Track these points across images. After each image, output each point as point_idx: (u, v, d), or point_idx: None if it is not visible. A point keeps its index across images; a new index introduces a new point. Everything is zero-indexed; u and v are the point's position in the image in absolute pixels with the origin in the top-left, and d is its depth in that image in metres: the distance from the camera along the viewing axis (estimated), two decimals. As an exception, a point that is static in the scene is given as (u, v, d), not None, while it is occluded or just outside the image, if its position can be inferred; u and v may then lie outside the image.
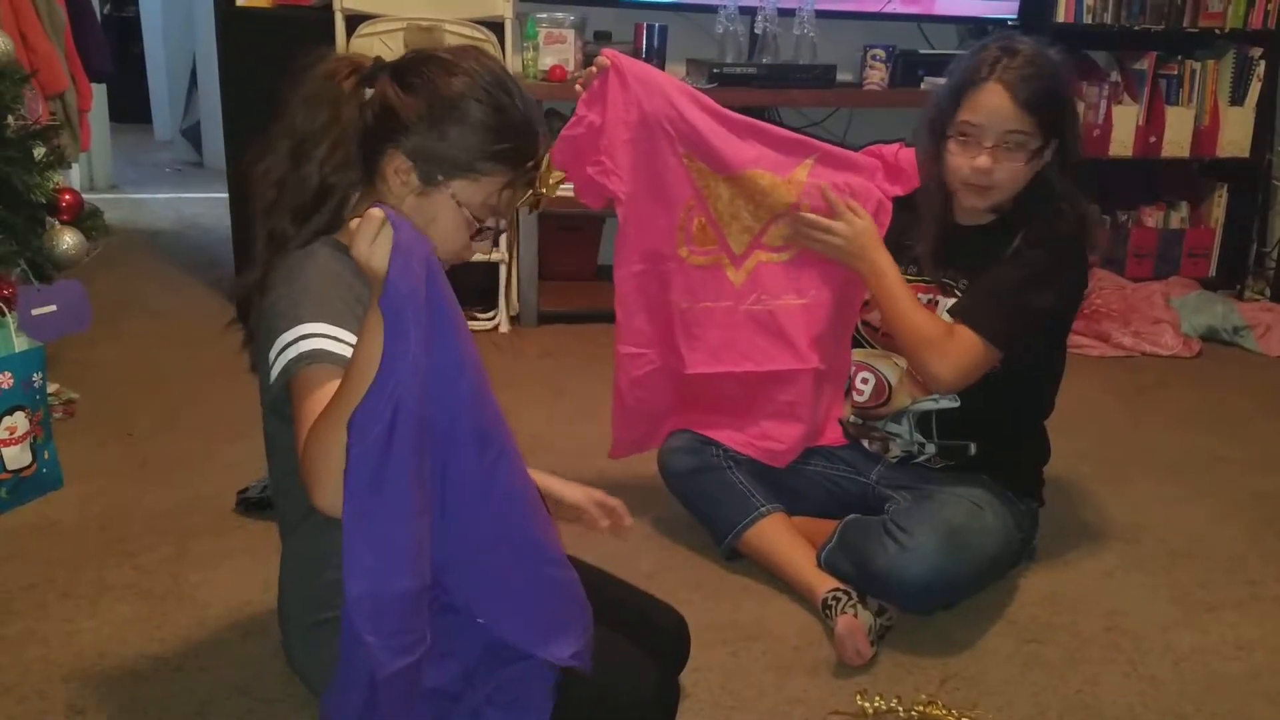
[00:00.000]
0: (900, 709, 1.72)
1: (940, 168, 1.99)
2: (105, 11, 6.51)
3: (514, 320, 3.46)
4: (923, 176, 2.07)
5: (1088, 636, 1.97)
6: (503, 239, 2.92)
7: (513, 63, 3.41)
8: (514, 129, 1.43)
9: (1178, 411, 3.12)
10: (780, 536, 2.08)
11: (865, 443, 2.17)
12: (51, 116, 3.01)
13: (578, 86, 2.08)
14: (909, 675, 1.83)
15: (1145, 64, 4.13)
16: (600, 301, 3.76)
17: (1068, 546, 2.28)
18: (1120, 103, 4.12)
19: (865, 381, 2.12)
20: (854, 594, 1.92)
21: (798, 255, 2.13)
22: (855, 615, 1.87)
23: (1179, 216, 4.32)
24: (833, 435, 2.20)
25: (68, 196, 2.47)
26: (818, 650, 1.89)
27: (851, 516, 2.04)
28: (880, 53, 3.80)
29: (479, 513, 1.27)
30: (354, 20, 3.29)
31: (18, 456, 2.25)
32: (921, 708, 1.72)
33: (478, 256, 1.67)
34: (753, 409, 2.17)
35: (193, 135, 6.20)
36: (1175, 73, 4.14)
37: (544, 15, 3.55)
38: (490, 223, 1.47)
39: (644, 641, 1.57)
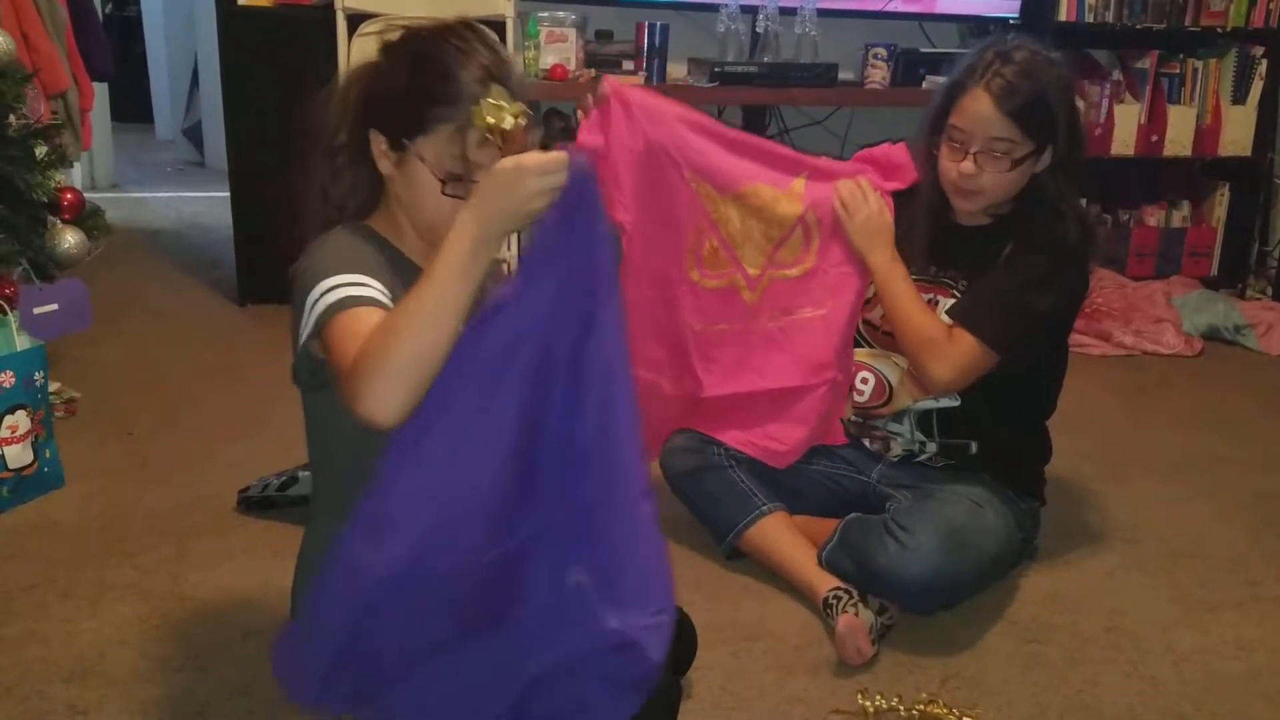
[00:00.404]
0: (901, 708, 1.72)
1: (935, 167, 2.00)
2: (107, 11, 6.51)
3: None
4: (920, 174, 2.07)
5: (1088, 636, 1.97)
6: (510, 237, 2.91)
7: (513, 62, 3.40)
8: (437, 71, 1.44)
9: (1179, 411, 3.12)
10: (781, 535, 2.08)
11: (866, 442, 2.17)
12: (53, 116, 3.01)
13: (579, 114, 2.08)
14: (910, 674, 1.83)
15: (1147, 63, 4.12)
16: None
17: (1069, 546, 2.28)
18: (1122, 101, 4.11)
19: (865, 381, 2.12)
20: (855, 593, 1.92)
21: (810, 270, 2.13)
22: (856, 614, 1.87)
23: (1181, 215, 4.31)
24: (834, 434, 2.20)
25: (69, 196, 2.48)
26: (819, 649, 1.89)
27: (853, 515, 2.04)
28: (882, 51, 3.79)
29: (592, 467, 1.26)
30: (355, 20, 3.28)
31: (19, 455, 2.25)
32: (922, 707, 1.72)
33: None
34: (762, 417, 2.17)
35: (194, 134, 6.20)
36: (1177, 71, 4.14)
37: (545, 14, 3.55)
38: (460, 171, 1.45)
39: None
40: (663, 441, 2.22)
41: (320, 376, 1.42)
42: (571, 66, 3.55)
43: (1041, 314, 1.97)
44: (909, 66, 3.78)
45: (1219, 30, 4.10)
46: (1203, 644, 1.96)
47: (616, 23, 3.79)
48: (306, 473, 2.23)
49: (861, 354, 2.13)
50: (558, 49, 3.54)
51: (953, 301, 2.02)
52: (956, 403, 2.03)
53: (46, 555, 2.10)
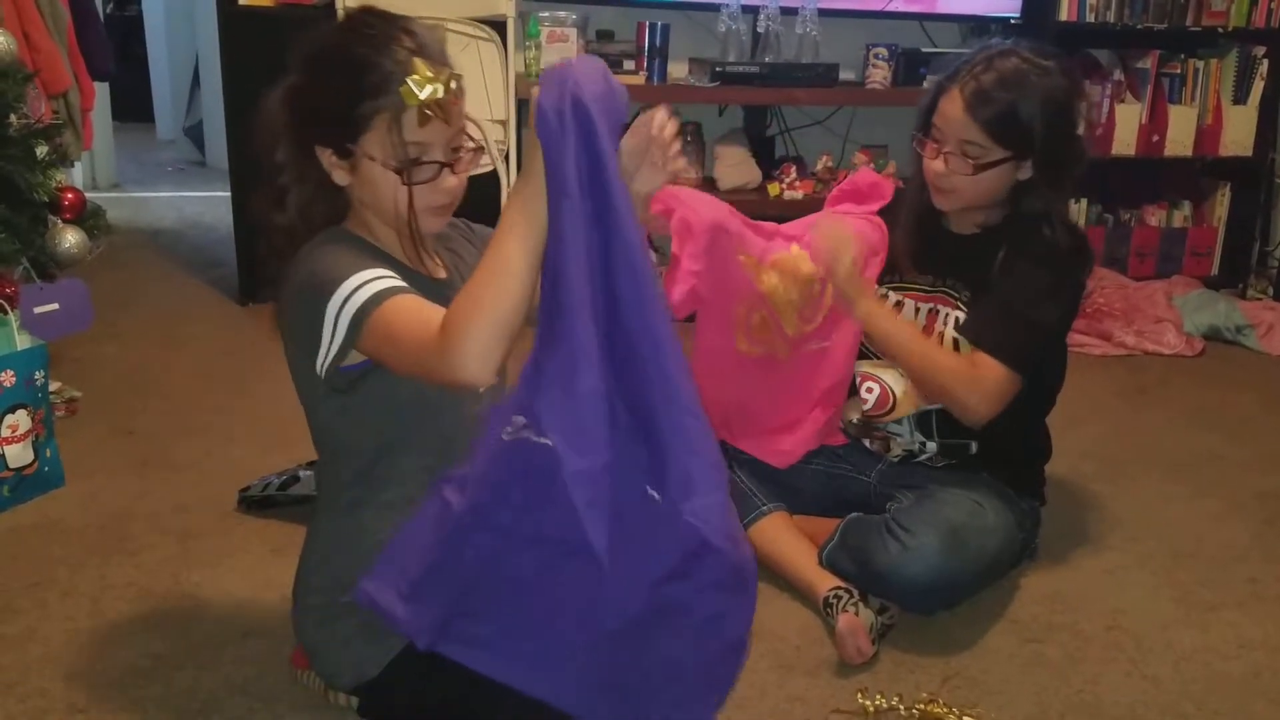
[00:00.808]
0: (902, 708, 1.72)
1: (921, 162, 2.01)
2: (108, 10, 6.51)
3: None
4: (911, 172, 2.09)
5: (1089, 636, 1.97)
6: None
7: (515, 61, 3.40)
8: (356, 67, 1.42)
9: (1180, 410, 3.12)
10: (781, 535, 2.08)
11: (866, 442, 2.17)
12: (54, 115, 3.01)
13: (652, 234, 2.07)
14: (910, 674, 1.83)
15: (1148, 62, 4.12)
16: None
17: (1069, 545, 2.28)
18: (1123, 101, 4.11)
19: (870, 391, 2.12)
20: (855, 592, 1.92)
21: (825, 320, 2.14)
22: (856, 614, 1.87)
23: (1181, 215, 4.31)
24: (834, 435, 2.20)
25: (70, 195, 2.47)
26: (819, 649, 1.89)
27: (853, 515, 2.04)
28: (883, 51, 3.80)
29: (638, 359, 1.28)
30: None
31: (20, 454, 2.26)
32: (923, 706, 1.72)
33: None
34: (767, 426, 2.17)
35: (195, 134, 6.20)
36: (1178, 71, 4.14)
37: (546, 14, 3.55)
38: (417, 155, 1.44)
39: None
40: None
41: (341, 380, 1.43)
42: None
43: (1050, 328, 1.98)
44: (910, 66, 3.78)
45: (1220, 30, 4.10)
46: (1204, 643, 1.96)
47: (617, 23, 3.79)
48: (308, 472, 2.23)
49: (866, 364, 2.12)
50: (559, 49, 3.54)
51: (958, 315, 2.02)
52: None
53: (47, 554, 2.10)
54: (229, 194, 3.71)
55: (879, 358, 2.11)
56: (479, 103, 3.28)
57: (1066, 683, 1.83)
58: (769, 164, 3.87)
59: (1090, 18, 4.01)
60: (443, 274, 1.58)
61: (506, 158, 3.38)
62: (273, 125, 1.50)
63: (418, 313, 1.34)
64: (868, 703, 1.72)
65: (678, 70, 3.79)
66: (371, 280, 1.38)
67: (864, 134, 4.00)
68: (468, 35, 3.27)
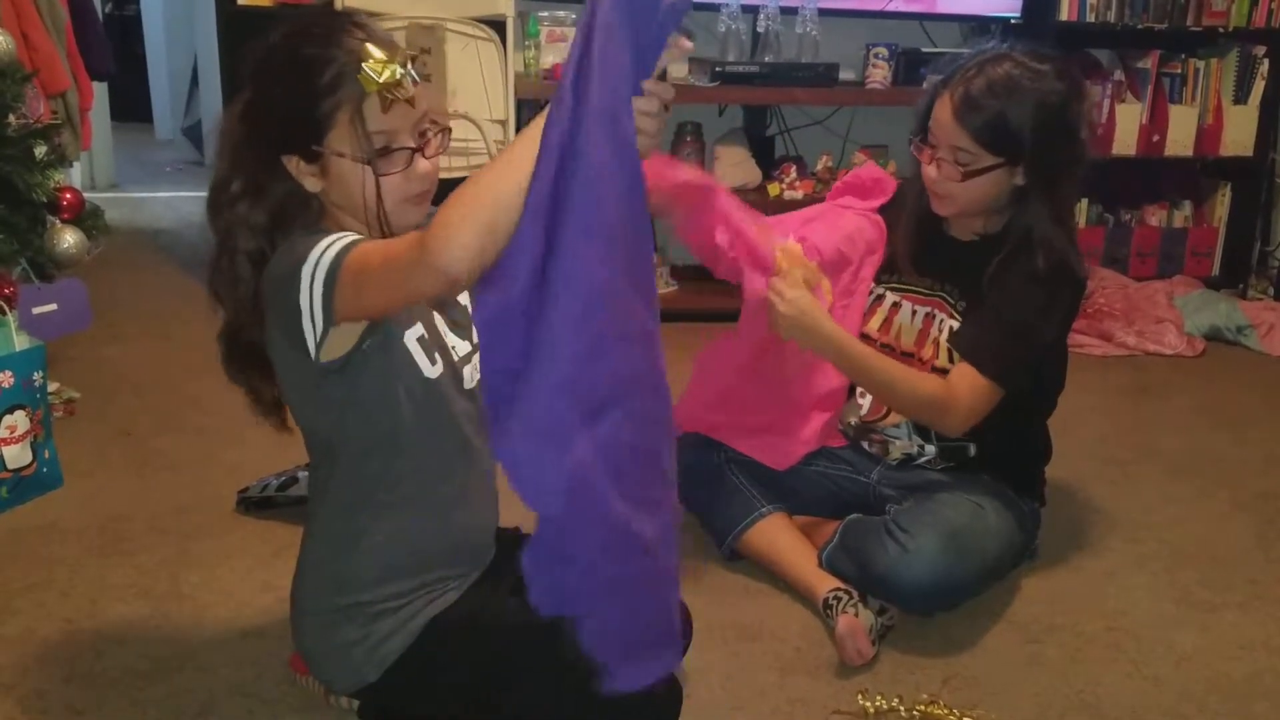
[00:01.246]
0: (902, 709, 1.72)
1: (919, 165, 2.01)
2: (106, 10, 6.50)
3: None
4: (910, 173, 2.08)
5: (1089, 636, 1.97)
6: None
7: (514, 61, 3.40)
8: (307, 66, 1.39)
9: (1181, 411, 3.11)
10: (781, 537, 2.08)
11: (865, 444, 2.17)
12: (53, 115, 3.01)
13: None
14: (910, 675, 1.83)
15: (1148, 62, 4.12)
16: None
17: (1070, 546, 2.28)
18: (1123, 101, 4.11)
19: (864, 395, 2.12)
20: (855, 594, 1.91)
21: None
22: (856, 615, 1.87)
23: (1182, 215, 4.31)
24: (833, 436, 2.19)
25: (69, 195, 2.47)
26: (819, 650, 1.88)
27: (853, 517, 2.03)
28: (883, 51, 3.79)
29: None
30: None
31: (18, 455, 2.25)
32: (923, 707, 1.72)
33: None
34: (768, 427, 2.16)
35: (194, 134, 6.19)
36: (1179, 71, 4.13)
37: (545, 13, 3.55)
38: (385, 144, 1.41)
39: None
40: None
41: (320, 373, 1.41)
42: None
43: (1041, 344, 1.97)
44: (910, 66, 3.77)
45: (1220, 30, 4.09)
46: (1204, 644, 1.96)
47: (617, 22, 3.77)
48: (306, 473, 2.22)
49: None
50: (558, 48, 3.54)
51: (953, 324, 2.01)
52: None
53: (46, 555, 2.09)
54: (228, 194, 3.70)
55: None
56: (478, 103, 3.28)
57: (1067, 683, 1.83)
58: (769, 164, 3.87)
59: (1091, 17, 4.00)
60: None
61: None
62: (233, 145, 1.48)
63: (385, 244, 1.32)
64: (868, 704, 1.72)
65: (677, 70, 3.78)
66: (336, 240, 1.35)
67: (864, 134, 4.00)
68: (467, 35, 3.26)
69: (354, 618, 1.50)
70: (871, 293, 2.11)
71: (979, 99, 1.88)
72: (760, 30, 3.74)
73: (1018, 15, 3.94)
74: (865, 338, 2.10)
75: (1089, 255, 4.11)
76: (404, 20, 3.23)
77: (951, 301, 2.03)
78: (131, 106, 6.30)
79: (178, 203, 5.20)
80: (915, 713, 1.71)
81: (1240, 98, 4.16)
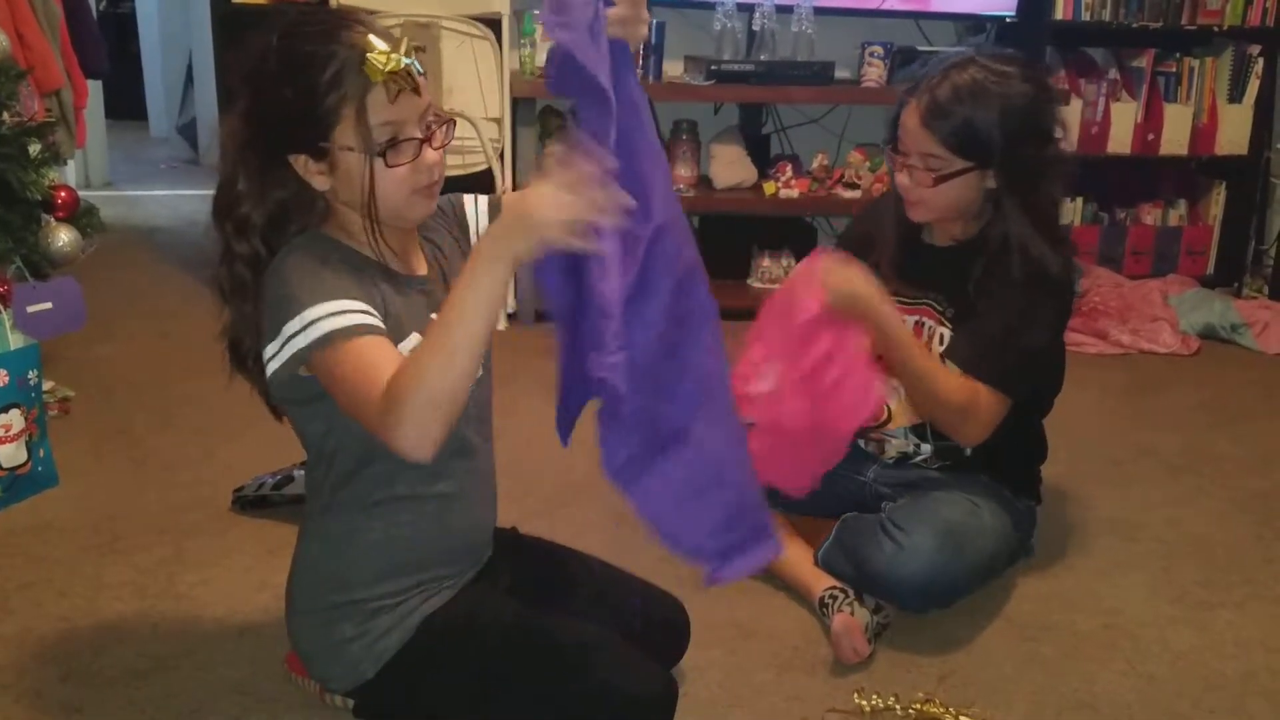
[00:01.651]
0: (898, 707, 1.72)
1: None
2: (101, 8, 6.49)
3: (511, 318, 3.45)
4: (887, 184, 2.08)
5: (1085, 635, 1.97)
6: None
7: (509, 60, 3.40)
8: (309, 63, 1.38)
9: (1176, 409, 3.12)
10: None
11: (861, 443, 2.16)
12: (47, 113, 3.00)
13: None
14: (907, 673, 1.83)
15: (1143, 61, 4.12)
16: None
17: (1065, 545, 2.28)
18: (1119, 100, 4.11)
19: None
20: (851, 592, 1.91)
21: None
22: (852, 613, 1.87)
23: (1177, 214, 4.31)
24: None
25: (63, 193, 2.46)
26: (815, 648, 1.89)
27: (849, 515, 2.04)
28: (878, 49, 3.79)
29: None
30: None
31: (13, 454, 2.25)
32: (919, 705, 1.72)
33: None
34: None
35: (188, 132, 6.19)
36: (1174, 70, 4.14)
37: (541, 11, 3.54)
38: (392, 135, 1.40)
39: (646, 640, 1.57)
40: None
41: (302, 392, 1.43)
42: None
43: (1039, 353, 1.97)
44: (905, 65, 3.76)
45: (1215, 29, 4.10)
46: (1200, 642, 1.96)
47: (613, 20, 3.77)
48: (302, 471, 2.22)
49: None
50: (554, 47, 3.53)
51: (944, 331, 2.01)
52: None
53: (43, 554, 2.09)
54: (223, 192, 3.69)
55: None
56: (474, 101, 3.28)
57: (1063, 681, 1.83)
58: (764, 162, 3.87)
59: (1086, 16, 4.01)
60: (424, 269, 1.55)
61: (501, 155, 3.37)
62: (236, 148, 1.47)
63: (371, 363, 1.32)
64: (864, 702, 1.72)
65: (673, 68, 3.79)
66: (335, 315, 1.35)
67: (859, 132, 4.00)
68: (462, 33, 3.26)
69: (350, 615, 1.50)
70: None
71: (945, 105, 1.88)
72: (756, 28, 3.74)
73: (1013, 14, 3.94)
74: None
75: (1084, 254, 4.13)
76: (399, 18, 3.23)
77: (939, 308, 2.03)
78: (126, 104, 6.30)
79: (173, 201, 5.20)
80: (911, 711, 1.71)
81: (1235, 96, 4.17)
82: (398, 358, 1.34)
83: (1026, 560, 2.17)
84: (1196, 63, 4.14)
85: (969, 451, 2.06)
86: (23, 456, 2.27)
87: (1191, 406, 3.14)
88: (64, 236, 2.45)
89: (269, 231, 1.48)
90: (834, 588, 1.93)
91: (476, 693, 1.50)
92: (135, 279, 3.93)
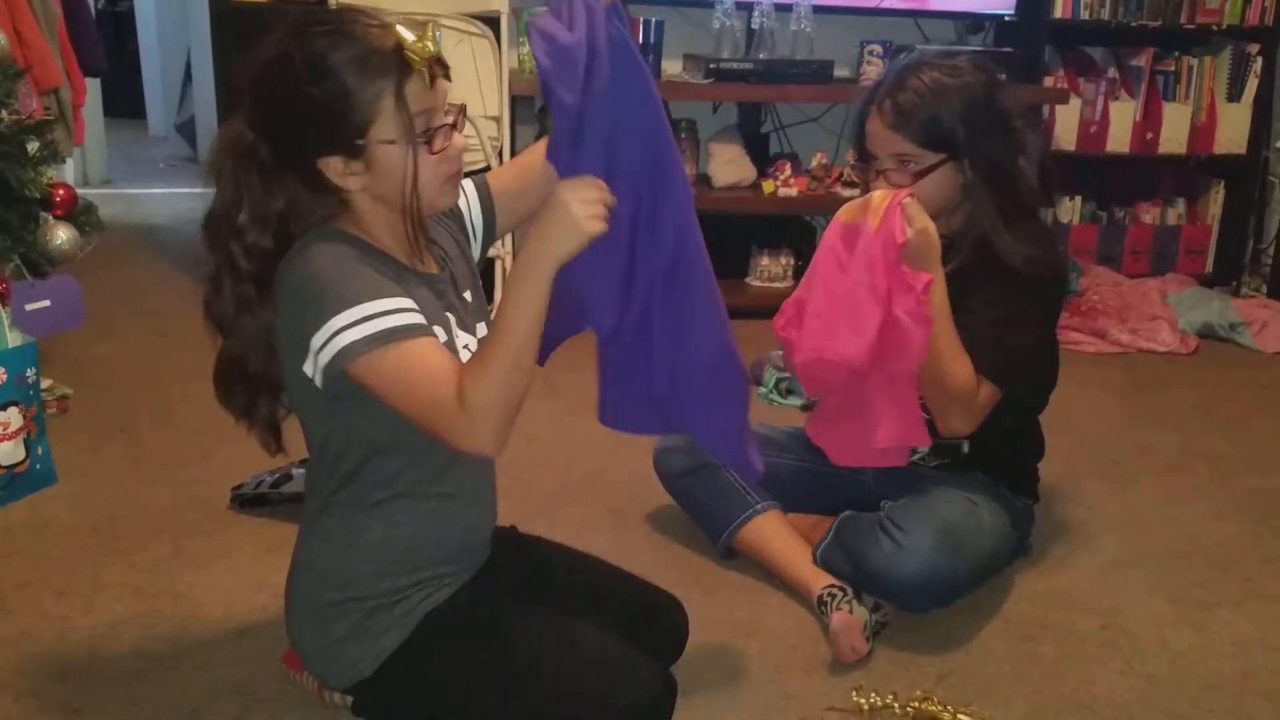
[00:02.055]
0: (896, 705, 1.72)
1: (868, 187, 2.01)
2: (99, 6, 6.49)
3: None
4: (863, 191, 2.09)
5: (1084, 634, 1.97)
6: (507, 238, 2.89)
7: (508, 58, 3.39)
8: (344, 63, 1.36)
9: (1174, 408, 3.12)
10: (775, 534, 2.08)
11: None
12: (45, 111, 3.00)
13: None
14: (905, 672, 1.83)
15: (1142, 60, 4.13)
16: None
17: (1064, 544, 2.28)
18: (1117, 99, 4.12)
19: None
20: (849, 590, 1.91)
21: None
22: (850, 612, 1.87)
23: (1176, 213, 4.32)
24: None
25: (62, 191, 2.46)
26: (814, 647, 1.89)
27: (847, 513, 2.03)
28: (877, 48, 3.79)
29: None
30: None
31: (11, 452, 2.25)
32: (917, 704, 1.72)
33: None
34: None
35: (187, 130, 6.18)
36: (1172, 69, 4.14)
37: (540, 10, 3.53)
38: (429, 122, 1.40)
39: (645, 639, 1.57)
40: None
41: (323, 393, 1.41)
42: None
43: (1032, 346, 1.96)
44: (904, 64, 3.77)
45: (1214, 28, 4.10)
46: (1199, 642, 1.96)
47: (612, 19, 3.77)
48: (300, 470, 2.22)
49: None
50: (552, 46, 3.53)
51: None
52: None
53: (41, 553, 2.09)
54: (221, 191, 3.69)
55: None
56: (472, 99, 3.27)
57: (1061, 681, 1.83)
58: (763, 161, 3.87)
59: (1085, 15, 4.01)
60: (434, 268, 1.55)
61: (500, 154, 3.37)
62: (239, 165, 1.44)
63: (438, 365, 1.35)
64: (863, 700, 1.72)
65: (672, 67, 3.79)
66: (392, 312, 1.35)
67: (853, 136, 4.00)
68: (461, 31, 3.26)
69: (349, 613, 1.50)
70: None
71: (906, 104, 1.91)
72: (755, 27, 3.74)
73: (1011, 12, 3.95)
74: None
75: (1082, 253, 4.14)
76: (398, 16, 3.22)
77: None
78: (124, 102, 6.30)
79: (171, 199, 5.19)
80: (910, 709, 1.71)
81: (1234, 95, 4.17)
82: (453, 359, 1.39)
83: (1025, 559, 2.17)
84: (1195, 62, 4.14)
85: (967, 449, 2.06)
86: (21, 454, 2.27)
87: (1190, 405, 3.14)
88: (62, 235, 2.45)
89: (277, 249, 1.46)
90: (833, 586, 1.93)
91: (475, 691, 1.50)
92: (134, 277, 3.93)
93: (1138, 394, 3.23)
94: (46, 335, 2.39)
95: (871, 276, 1.79)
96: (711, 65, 3.58)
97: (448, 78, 1.42)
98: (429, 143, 1.40)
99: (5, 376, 2.23)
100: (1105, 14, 4.02)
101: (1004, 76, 2.07)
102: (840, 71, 3.81)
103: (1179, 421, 3.01)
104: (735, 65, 3.62)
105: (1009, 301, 1.92)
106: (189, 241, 4.42)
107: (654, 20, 3.62)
